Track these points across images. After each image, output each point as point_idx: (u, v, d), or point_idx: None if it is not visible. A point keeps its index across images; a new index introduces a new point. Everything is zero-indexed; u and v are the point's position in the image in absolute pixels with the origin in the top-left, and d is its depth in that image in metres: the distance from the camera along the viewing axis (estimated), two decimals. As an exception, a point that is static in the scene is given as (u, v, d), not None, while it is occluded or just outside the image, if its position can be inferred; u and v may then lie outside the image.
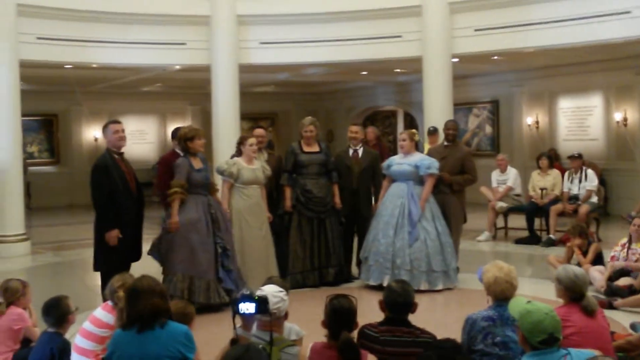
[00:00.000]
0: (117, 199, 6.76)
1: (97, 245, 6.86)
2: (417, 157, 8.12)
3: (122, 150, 7.02)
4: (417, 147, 8.38)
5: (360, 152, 8.62)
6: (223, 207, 7.47)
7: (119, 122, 7.10)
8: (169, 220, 7.01)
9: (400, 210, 7.90)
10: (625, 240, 7.73)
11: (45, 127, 19.28)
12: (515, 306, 3.76)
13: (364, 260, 8.08)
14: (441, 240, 7.92)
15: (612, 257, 7.75)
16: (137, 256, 7.02)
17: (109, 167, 6.78)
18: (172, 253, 7.06)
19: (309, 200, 8.16)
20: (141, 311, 3.67)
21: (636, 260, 7.49)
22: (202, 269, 7.02)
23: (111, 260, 6.66)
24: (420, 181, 8.03)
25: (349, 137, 8.71)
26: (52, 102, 18.82)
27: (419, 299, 4.26)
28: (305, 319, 5.44)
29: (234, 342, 3.65)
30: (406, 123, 21.90)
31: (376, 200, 8.42)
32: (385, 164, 8.26)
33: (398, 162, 8.12)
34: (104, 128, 7.09)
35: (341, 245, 8.38)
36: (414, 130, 8.57)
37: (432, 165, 8.01)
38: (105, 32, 11.79)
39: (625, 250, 7.64)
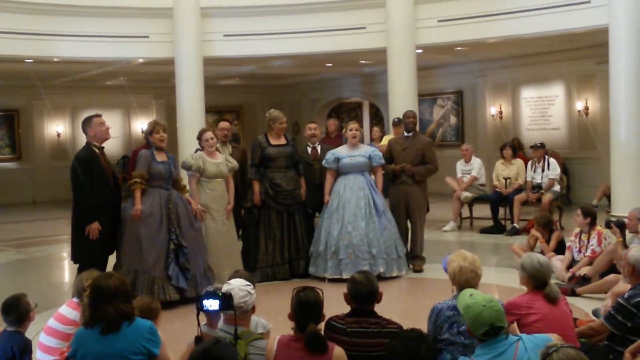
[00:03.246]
0: (98, 193, 6.80)
1: (76, 237, 6.86)
2: (366, 149, 8.40)
3: (103, 144, 7.08)
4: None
5: (318, 148, 8.73)
6: (193, 205, 7.39)
7: (100, 115, 7.16)
8: (133, 208, 6.97)
9: (365, 201, 8.01)
10: (578, 230, 7.84)
11: (6, 123, 18.93)
12: (460, 301, 3.80)
13: (331, 255, 7.96)
14: (396, 228, 8.21)
15: (569, 247, 7.85)
16: (112, 249, 7.10)
17: (91, 160, 6.85)
18: (121, 245, 7.06)
19: (278, 193, 8.13)
20: (105, 316, 3.63)
21: (592, 253, 7.56)
22: (147, 264, 6.95)
23: (90, 252, 6.71)
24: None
25: (308, 135, 8.81)
26: (13, 97, 18.47)
27: (385, 289, 4.29)
28: (273, 312, 5.47)
29: (198, 339, 3.64)
30: (372, 114, 21.99)
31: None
32: (330, 157, 8.20)
33: (348, 155, 8.17)
34: (86, 122, 7.07)
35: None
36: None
37: (381, 155, 8.35)
38: (66, 25, 11.58)
39: (577, 240, 7.75)
